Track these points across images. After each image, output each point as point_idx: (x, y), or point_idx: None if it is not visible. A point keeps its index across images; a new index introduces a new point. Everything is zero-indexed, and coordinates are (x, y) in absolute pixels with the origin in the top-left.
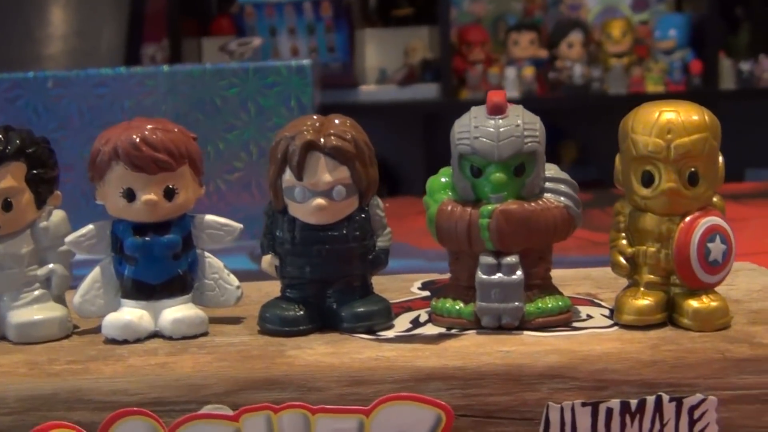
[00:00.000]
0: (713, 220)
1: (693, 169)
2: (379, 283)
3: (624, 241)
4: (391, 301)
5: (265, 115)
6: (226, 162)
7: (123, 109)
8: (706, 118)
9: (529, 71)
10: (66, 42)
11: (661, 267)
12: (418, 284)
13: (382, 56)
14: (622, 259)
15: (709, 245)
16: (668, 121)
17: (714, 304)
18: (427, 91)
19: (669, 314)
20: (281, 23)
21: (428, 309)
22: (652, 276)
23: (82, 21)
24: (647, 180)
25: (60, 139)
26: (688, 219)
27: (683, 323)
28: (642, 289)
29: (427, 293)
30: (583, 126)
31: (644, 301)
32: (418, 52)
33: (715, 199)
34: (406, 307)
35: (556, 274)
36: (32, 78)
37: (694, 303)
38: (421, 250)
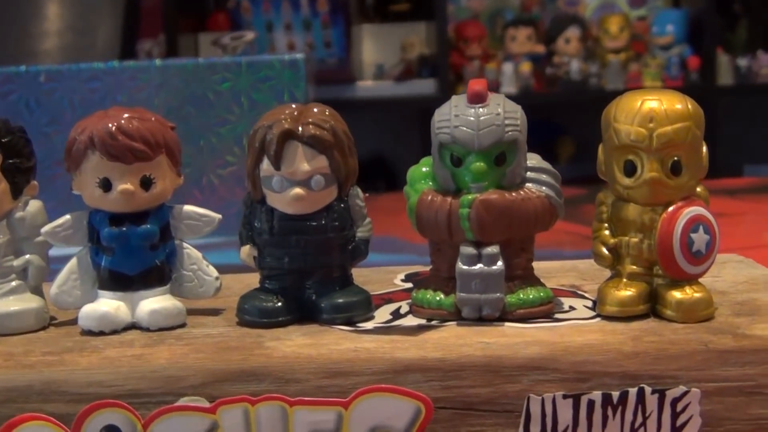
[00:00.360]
0: (696, 210)
1: (676, 159)
2: (362, 275)
3: (606, 232)
4: (372, 293)
5: (258, 110)
6: (219, 156)
7: (116, 104)
8: (689, 106)
9: (526, 67)
10: (61, 37)
11: (644, 258)
12: (402, 276)
13: (379, 52)
14: (604, 250)
15: (693, 235)
16: (650, 109)
17: (697, 295)
18: (424, 86)
19: (652, 305)
20: (278, 19)
21: (409, 301)
22: (634, 267)
23: (77, 16)
24: (630, 169)
25: (52, 134)
26: (670, 209)
27: (666, 314)
28: (624, 280)
29: (409, 285)
30: (580, 122)
31: (627, 292)
32: (415, 47)
33: (698, 189)
34: (387, 298)
35: (541, 266)
36: (24, 72)
37: (677, 294)
38: (413, 245)
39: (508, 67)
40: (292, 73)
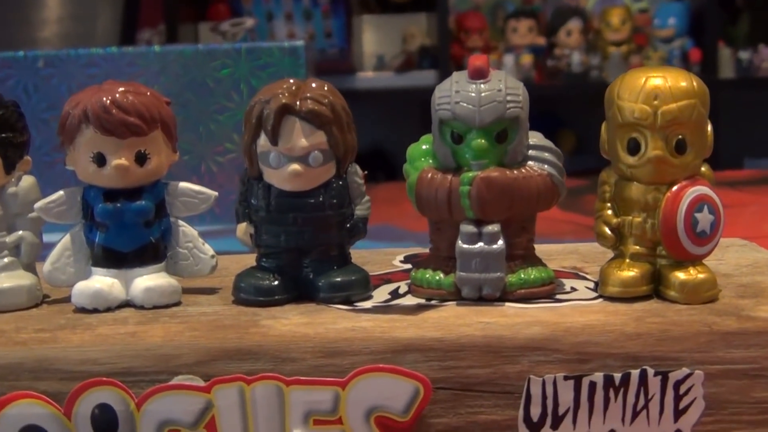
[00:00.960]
0: (701, 189)
1: (680, 137)
2: (361, 256)
3: (609, 212)
4: (371, 274)
5: None
6: (218, 143)
7: None
8: (695, 84)
9: (527, 59)
10: (61, 25)
11: (647, 238)
12: (401, 257)
13: (380, 42)
14: (607, 230)
15: (697, 215)
16: (655, 87)
17: (701, 276)
18: (425, 77)
19: (655, 287)
20: (278, 8)
21: (408, 281)
22: (637, 247)
23: (77, 4)
24: (633, 148)
25: (50, 120)
26: (674, 188)
27: (669, 295)
28: (627, 260)
29: (408, 266)
30: (581, 114)
31: (629, 273)
32: (416, 38)
33: (703, 169)
34: (386, 279)
35: (543, 249)
36: (22, 57)
37: (680, 275)
38: (412, 233)
39: (509, 59)
40: (292, 61)
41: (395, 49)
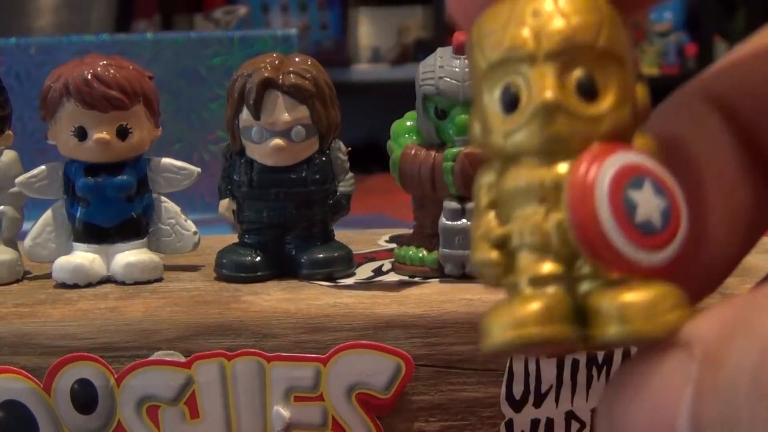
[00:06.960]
0: (632, 157)
1: (583, 73)
2: (346, 236)
3: (492, 221)
4: (355, 252)
5: None
6: (210, 131)
7: None
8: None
9: None
10: (56, 15)
11: (554, 244)
12: (386, 237)
13: (376, 35)
14: (492, 253)
15: (632, 194)
16: (531, 4)
17: (654, 289)
18: None
19: (581, 333)
20: None
21: (392, 259)
22: (540, 266)
23: None
24: (509, 102)
25: None
26: (585, 155)
27: (610, 335)
28: (526, 290)
29: (393, 245)
30: None
31: (530, 307)
32: (411, 31)
33: (640, 139)
34: (370, 257)
35: None
36: (14, 44)
37: (620, 295)
38: (407, 223)
39: None
40: (285, 50)
41: (391, 42)
